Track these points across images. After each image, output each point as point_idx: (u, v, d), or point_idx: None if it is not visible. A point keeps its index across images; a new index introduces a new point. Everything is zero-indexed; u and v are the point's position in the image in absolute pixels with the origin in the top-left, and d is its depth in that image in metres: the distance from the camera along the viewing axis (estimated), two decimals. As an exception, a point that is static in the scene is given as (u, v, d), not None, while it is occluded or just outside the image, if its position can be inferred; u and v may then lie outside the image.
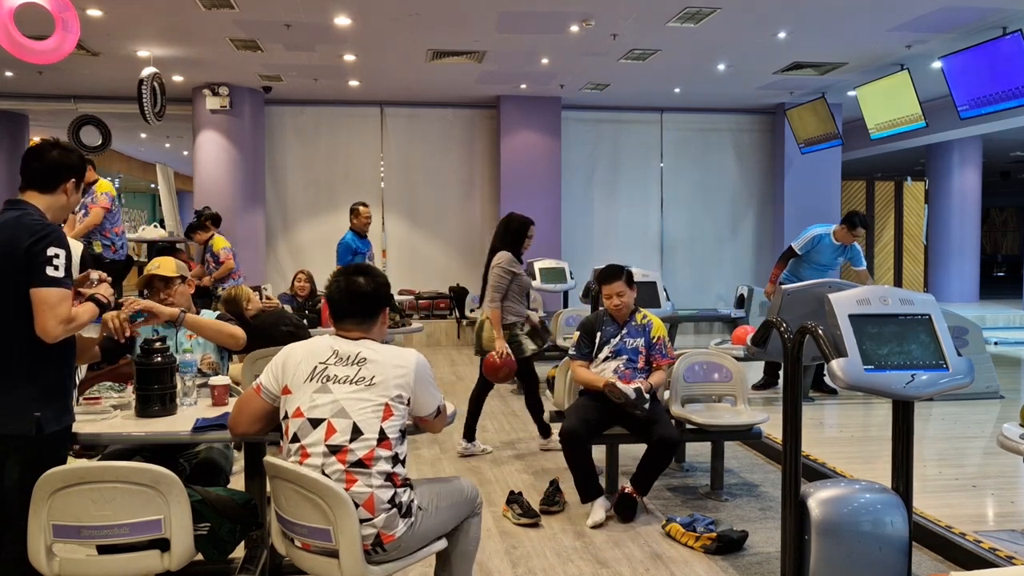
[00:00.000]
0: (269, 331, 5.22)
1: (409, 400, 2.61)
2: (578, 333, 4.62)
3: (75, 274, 2.91)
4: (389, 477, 2.53)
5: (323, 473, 2.47)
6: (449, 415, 2.92)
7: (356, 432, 2.50)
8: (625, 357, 4.46)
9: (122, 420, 3.06)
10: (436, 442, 5.82)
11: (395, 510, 2.52)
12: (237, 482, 3.38)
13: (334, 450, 2.49)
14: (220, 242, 8.86)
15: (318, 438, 2.50)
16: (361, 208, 7.55)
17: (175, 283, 3.68)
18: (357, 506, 2.45)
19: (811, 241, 7.07)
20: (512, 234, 5.59)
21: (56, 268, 2.58)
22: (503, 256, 5.48)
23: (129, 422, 3.04)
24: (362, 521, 2.46)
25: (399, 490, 2.55)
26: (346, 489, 2.45)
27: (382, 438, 2.52)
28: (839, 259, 7.13)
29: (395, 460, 2.55)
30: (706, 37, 8.47)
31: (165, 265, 3.69)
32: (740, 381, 4.83)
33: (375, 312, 2.75)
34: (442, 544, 2.75)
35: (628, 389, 4.21)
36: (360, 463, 2.48)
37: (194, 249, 10.74)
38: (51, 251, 2.58)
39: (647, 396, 4.26)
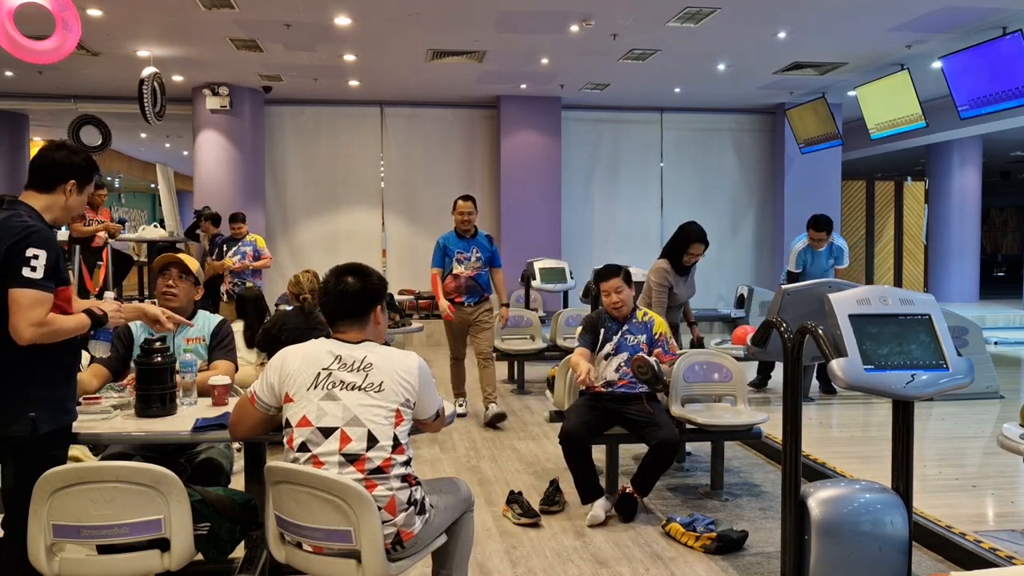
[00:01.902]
0: (302, 330, 5.20)
1: (415, 404, 2.60)
2: (580, 327, 4.63)
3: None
4: (405, 479, 2.54)
5: None
6: (448, 416, 2.91)
7: (372, 440, 2.48)
8: (626, 354, 4.45)
9: (122, 420, 3.06)
10: (436, 442, 5.82)
11: (412, 508, 2.54)
12: (238, 482, 3.38)
13: (351, 459, 2.46)
14: (260, 239, 9.08)
15: (332, 447, 2.47)
16: (459, 202, 6.49)
17: (189, 279, 3.64)
18: (379, 508, 2.45)
19: (799, 258, 7.12)
20: (673, 241, 5.30)
21: (33, 269, 2.49)
22: (659, 270, 5.23)
23: (129, 422, 3.04)
24: (383, 521, 2.46)
25: (414, 489, 2.57)
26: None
27: (396, 444, 2.51)
28: (830, 261, 7.08)
29: (407, 463, 2.57)
30: (706, 37, 8.47)
31: (190, 260, 3.71)
32: (740, 381, 4.82)
33: (366, 311, 2.67)
34: (443, 539, 2.77)
35: (653, 361, 4.25)
36: (378, 470, 2.48)
37: (194, 249, 10.74)
38: (30, 252, 2.50)
39: (662, 373, 4.31)
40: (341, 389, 2.51)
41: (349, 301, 2.66)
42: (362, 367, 2.55)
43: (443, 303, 6.38)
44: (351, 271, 2.72)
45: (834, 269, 7.06)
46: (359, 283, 2.68)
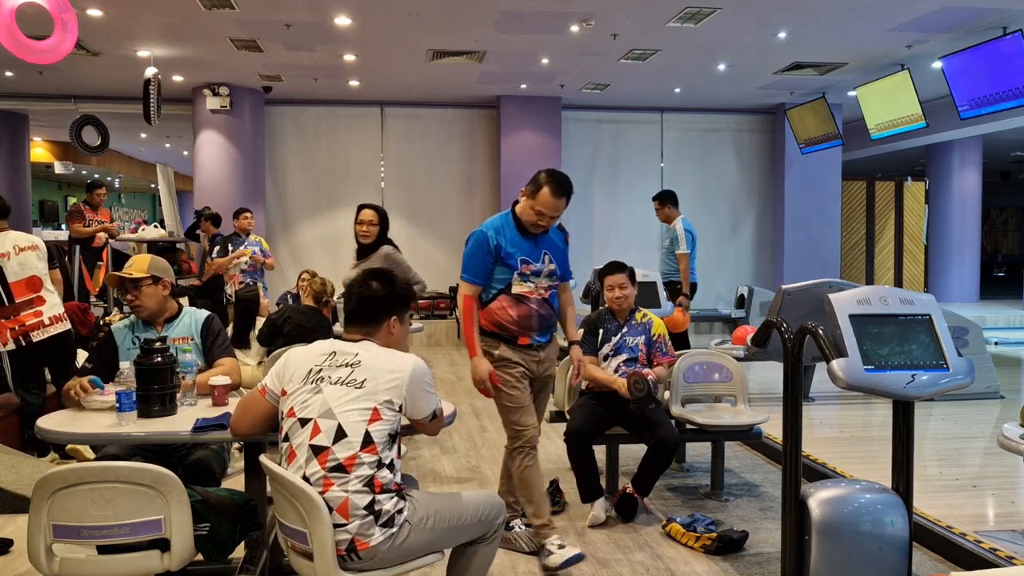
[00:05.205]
0: (305, 328, 5.21)
1: (402, 406, 2.57)
2: (582, 331, 4.62)
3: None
4: (369, 483, 2.46)
5: (304, 476, 2.46)
6: (448, 416, 2.91)
7: (340, 434, 2.46)
8: (625, 355, 4.46)
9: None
10: (436, 443, 5.82)
11: (371, 517, 2.44)
12: (237, 482, 3.37)
13: (316, 451, 2.47)
14: (264, 241, 8.94)
15: (304, 438, 2.49)
16: (544, 188, 3.88)
17: (145, 283, 3.53)
18: (331, 510, 2.41)
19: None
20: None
21: None
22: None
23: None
24: (336, 526, 2.42)
25: (380, 497, 2.47)
26: (322, 493, 2.42)
27: (367, 442, 2.47)
28: (666, 241, 7.31)
29: (379, 464, 2.48)
30: (706, 37, 8.47)
31: (137, 265, 3.59)
32: (740, 381, 4.83)
33: (380, 318, 2.72)
34: (435, 558, 2.66)
35: (651, 381, 4.24)
36: (340, 467, 2.44)
37: (194, 249, 10.75)
38: None
39: (656, 392, 4.29)
40: (326, 383, 2.55)
41: (367, 305, 2.72)
42: (350, 363, 2.58)
43: (481, 367, 3.63)
44: (379, 276, 2.78)
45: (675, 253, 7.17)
46: (383, 289, 2.74)
